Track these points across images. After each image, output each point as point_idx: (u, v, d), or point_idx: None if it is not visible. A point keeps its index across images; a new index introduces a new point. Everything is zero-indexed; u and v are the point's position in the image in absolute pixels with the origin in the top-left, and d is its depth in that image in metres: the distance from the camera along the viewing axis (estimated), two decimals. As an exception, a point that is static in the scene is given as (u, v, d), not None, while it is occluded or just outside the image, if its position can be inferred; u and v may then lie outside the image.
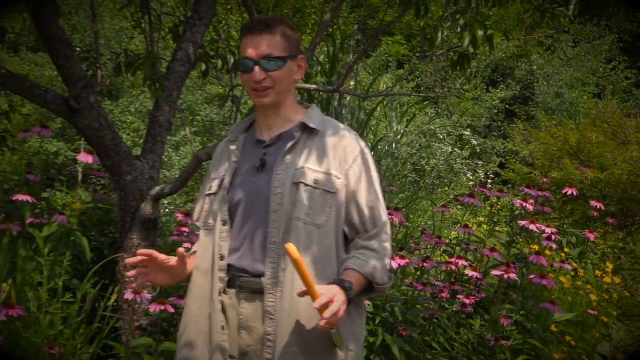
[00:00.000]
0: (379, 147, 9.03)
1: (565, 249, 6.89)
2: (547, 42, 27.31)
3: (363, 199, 3.03)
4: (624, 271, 8.17)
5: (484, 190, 6.80)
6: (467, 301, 5.70)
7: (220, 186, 3.10)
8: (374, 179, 3.11)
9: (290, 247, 2.67)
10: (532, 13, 6.48)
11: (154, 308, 4.69)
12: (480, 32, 5.85)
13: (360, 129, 8.67)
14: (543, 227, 6.19)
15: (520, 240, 6.88)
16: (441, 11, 6.49)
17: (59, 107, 5.77)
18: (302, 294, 2.74)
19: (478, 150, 20.79)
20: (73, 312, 4.89)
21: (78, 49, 18.14)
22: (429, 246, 6.59)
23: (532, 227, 6.13)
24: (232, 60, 6.54)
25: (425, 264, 5.94)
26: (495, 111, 24.89)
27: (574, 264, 6.80)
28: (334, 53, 8.60)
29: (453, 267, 6.06)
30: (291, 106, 3.14)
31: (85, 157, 5.77)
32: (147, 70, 5.66)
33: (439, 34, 6.11)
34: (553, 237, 6.23)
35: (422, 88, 24.41)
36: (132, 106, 16.10)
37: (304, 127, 3.07)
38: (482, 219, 8.48)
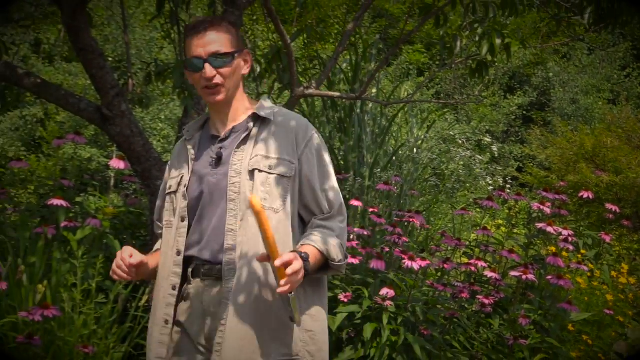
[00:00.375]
0: (400, 152, 9.10)
1: (582, 251, 6.91)
2: (563, 50, 27.25)
3: (317, 182, 3.04)
4: (639, 272, 8.18)
5: (503, 193, 6.87)
6: (486, 301, 5.75)
7: (179, 184, 3.08)
8: (327, 162, 3.12)
9: (254, 198, 2.67)
10: (549, 22, 6.56)
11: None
12: (498, 41, 5.94)
13: (382, 135, 8.75)
14: (560, 230, 6.24)
15: (538, 242, 6.91)
16: (460, 21, 6.58)
17: (92, 115, 5.90)
18: (262, 258, 2.74)
19: (497, 155, 20.82)
20: (106, 313, 4.98)
21: (110, 59, 18.30)
22: (449, 248, 6.66)
23: (549, 229, 6.19)
24: (258, 70, 6.64)
25: (445, 266, 6.03)
26: (513, 117, 24.93)
27: (591, 265, 6.82)
28: (357, 62, 8.67)
29: (473, 268, 6.12)
30: (242, 100, 3.13)
31: (117, 163, 5.89)
32: (177, 79, 5.69)
33: (458, 43, 6.19)
34: (570, 239, 6.26)
35: (442, 95, 24.45)
36: (162, 114, 16.26)
37: (256, 118, 3.06)
38: (500, 221, 8.51)
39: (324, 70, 6.37)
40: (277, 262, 2.63)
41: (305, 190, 3.02)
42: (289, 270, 2.64)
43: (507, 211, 7.84)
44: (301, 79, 7.04)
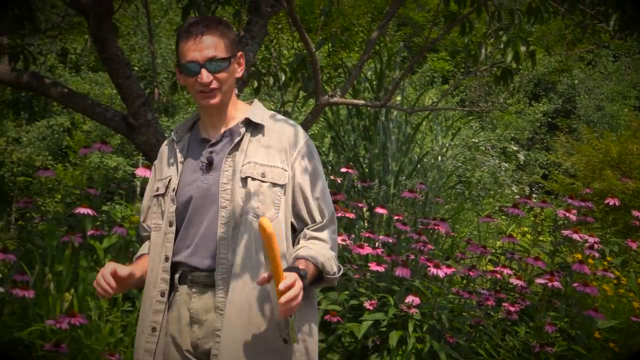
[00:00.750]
0: (425, 160, 9.10)
1: (608, 258, 6.90)
2: (588, 57, 27.17)
3: (310, 190, 2.96)
4: (666, 279, 8.14)
5: (528, 201, 6.86)
6: (512, 309, 5.74)
7: (167, 187, 2.99)
8: (320, 171, 3.05)
9: (265, 221, 2.56)
10: (573, 29, 6.56)
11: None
12: (522, 48, 5.95)
13: (407, 142, 8.76)
14: (586, 237, 6.21)
15: (564, 249, 6.90)
16: (485, 28, 6.60)
17: (118, 124, 5.95)
18: (263, 281, 2.66)
19: (522, 163, 20.78)
20: (132, 321, 4.98)
21: (136, 68, 18.45)
22: (474, 256, 6.66)
23: (575, 236, 6.15)
24: (283, 78, 6.66)
25: (471, 273, 6.01)
26: (538, 124, 24.90)
27: (617, 273, 6.75)
28: (381, 70, 8.68)
29: (498, 275, 6.12)
30: (234, 103, 3.04)
31: (143, 172, 5.89)
32: None
33: (483, 51, 6.20)
34: (596, 246, 6.24)
35: (466, 102, 24.44)
36: (188, 122, 16.33)
37: (249, 123, 2.98)
38: (526, 229, 8.49)
39: (348, 78, 6.39)
40: (281, 286, 2.57)
41: (297, 198, 2.95)
42: (283, 298, 2.58)
43: (532, 218, 7.82)
44: (326, 87, 7.06)
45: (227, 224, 2.85)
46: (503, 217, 10.77)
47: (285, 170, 2.93)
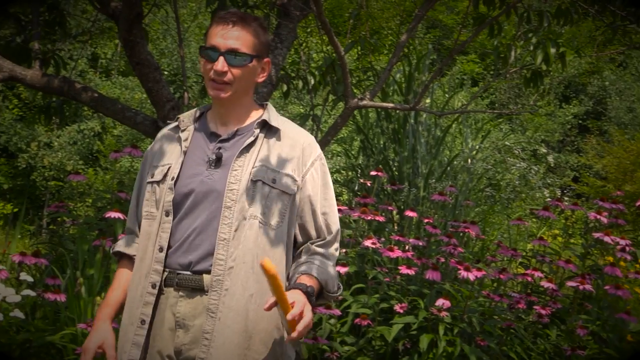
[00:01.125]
0: (455, 163, 9.09)
1: (640, 261, 6.88)
2: (619, 59, 27.02)
3: (319, 204, 2.91)
4: (699, 282, 8.09)
5: (559, 203, 6.83)
6: (543, 312, 5.69)
7: (165, 175, 2.87)
8: (331, 185, 2.99)
9: (267, 263, 2.48)
10: (604, 30, 6.53)
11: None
12: (552, 50, 5.93)
13: (437, 145, 8.76)
14: (617, 239, 6.18)
15: (595, 252, 6.84)
16: (514, 30, 6.58)
17: (148, 128, 5.97)
18: (272, 306, 2.57)
19: (552, 165, 20.71)
20: None
21: (166, 72, 18.55)
22: (505, 258, 6.65)
23: (606, 239, 6.13)
24: (312, 82, 6.67)
25: (501, 276, 6.00)
26: (569, 126, 24.78)
27: None
28: (410, 72, 8.68)
29: (529, 278, 6.08)
30: (249, 105, 2.94)
31: (173, 176, 5.93)
32: None
33: (513, 53, 6.19)
34: (627, 248, 6.21)
35: (496, 105, 24.38)
36: (217, 126, 16.39)
37: (264, 125, 2.90)
38: (557, 231, 8.47)
39: (377, 81, 6.39)
40: (289, 317, 2.52)
41: (305, 211, 2.89)
42: (300, 326, 2.54)
43: (563, 221, 7.80)
44: (355, 90, 7.07)
45: (229, 224, 2.76)
46: (534, 219, 10.73)
47: (296, 180, 2.86)
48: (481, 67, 26.63)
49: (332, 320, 5.48)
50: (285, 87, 6.73)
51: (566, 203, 7.43)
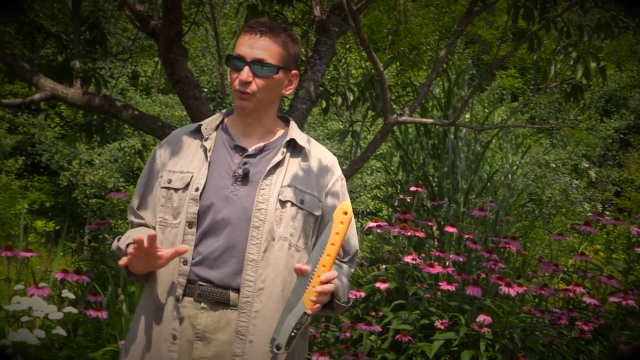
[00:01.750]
0: (495, 178, 9.05)
1: (684, 276, 6.81)
2: (660, 72, 26.86)
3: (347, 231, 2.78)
4: None
5: (600, 218, 6.78)
6: (585, 328, 5.63)
7: (188, 184, 2.78)
8: (350, 206, 2.85)
9: (347, 206, 2.62)
10: (645, 44, 6.49)
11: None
12: (593, 64, 5.90)
13: (476, 160, 8.73)
14: (660, 254, 6.16)
15: (638, 267, 6.82)
16: (554, 44, 6.56)
17: (188, 146, 5.99)
18: (305, 271, 2.58)
19: (594, 180, 20.59)
20: None
21: (205, 90, 18.65)
22: (546, 274, 6.62)
23: (649, 254, 6.11)
24: (351, 98, 6.67)
25: (543, 292, 5.97)
26: (610, 141, 24.62)
27: None
28: (449, 88, 8.67)
29: (571, 294, 6.03)
30: (273, 119, 2.91)
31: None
32: None
33: (552, 67, 6.17)
34: (671, 264, 6.19)
35: (536, 120, 24.27)
36: (257, 143, 16.44)
37: (290, 143, 2.87)
38: (599, 246, 8.42)
39: (417, 97, 6.38)
40: (324, 277, 2.56)
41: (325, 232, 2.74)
42: (328, 287, 2.58)
43: (605, 236, 7.74)
44: (394, 106, 7.06)
45: (257, 245, 2.71)
46: (575, 235, 10.66)
47: (320, 202, 2.84)
48: (521, 81, 26.53)
49: (373, 337, 5.48)
50: (324, 104, 6.74)
51: (608, 218, 7.36)
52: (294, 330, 2.59)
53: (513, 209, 9.22)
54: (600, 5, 6.06)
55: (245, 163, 2.80)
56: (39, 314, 4.44)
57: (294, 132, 2.91)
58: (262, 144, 2.86)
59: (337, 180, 2.93)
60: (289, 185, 2.78)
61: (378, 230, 6.24)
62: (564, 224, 12.96)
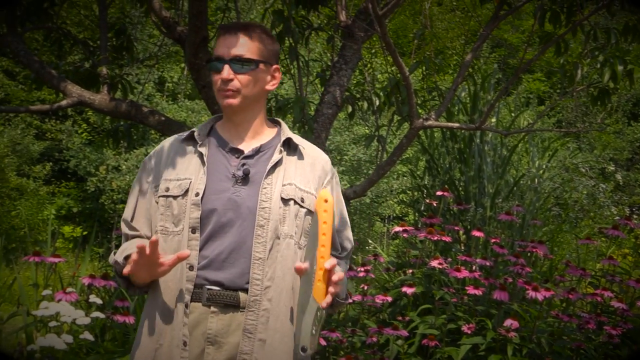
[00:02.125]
0: (522, 182, 9.03)
1: None
2: (689, 75, 26.71)
3: (337, 223, 2.93)
4: None
5: (628, 222, 6.75)
6: (614, 332, 5.61)
7: (187, 190, 2.78)
8: (343, 202, 3.03)
9: (327, 193, 2.62)
10: (672, 47, 6.47)
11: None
12: (620, 68, 5.88)
13: (503, 165, 8.71)
14: (689, 258, 6.12)
15: (666, 271, 6.80)
16: (581, 48, 6.54)
17: (214, 151, 6.01)
18: (304, 270, 2.57)
19: (621, 184, 20.49)
20: None
21: (231, 95, 18.67)
22: (574, 278, 6.58)
23: (677, 258, 6.08)
24: (377, 102, 6.67)
25: (570, 296, 5.93)
26: (638, 144, 24.47)
27: None
28: (475, 92, 8.66)
29: (599, 298, 6.01)
30: (262, 118, 2.94)
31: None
32: (297, 113, 5.80)
33: (579, 71, 6.15)
34: (699, 267, 6.15)
35: (563, 123, 24.16)
36: (281, 148, 16.48)
37: (285, 142, 2.91)
38: (627, 250, 8.39)
39: (442, 101, 6.38)
40: (328, 265, 2.55)
41: None
42: (335, 277, 2.58)
43: (633, 240, 7.71)
44: (420, 111, 7.06)
45: (263, 244, 2.72)
46: (603, 238, 10.62)
47: (316, 198, 2.81)
48: (547, 85, 26.43)
49: (400, 341, 5.47)
50: (350, 108, 6.76)
51: (636, 221, 7.33)
52: (314, 328, 2.56)
53: (540, 213, 9.19)
54: (627, 8, 6.04)
55: (243, 164, 2.83)
56: (67, 319, 4.47)
57: (288, 131, 2.95)
58: (257, 145, 2.89)
59: (331, 178, 2.98)
60: (290, 184, 2.82)
61: (404, 235, 6.23)
62: (591, 228, 12.93)
